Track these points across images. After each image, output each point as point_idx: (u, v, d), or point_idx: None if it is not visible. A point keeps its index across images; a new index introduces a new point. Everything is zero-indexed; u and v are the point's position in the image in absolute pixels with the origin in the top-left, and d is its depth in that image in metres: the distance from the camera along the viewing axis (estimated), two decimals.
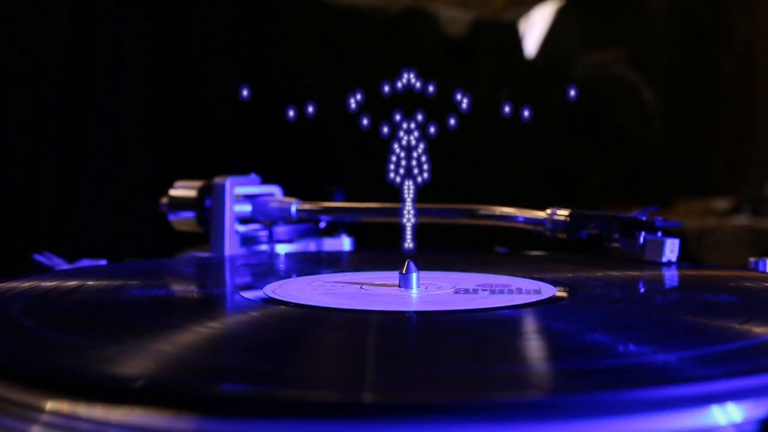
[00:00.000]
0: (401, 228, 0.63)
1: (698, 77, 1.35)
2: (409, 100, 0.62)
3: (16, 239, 1.16)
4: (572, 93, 0.68)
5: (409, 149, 0.62)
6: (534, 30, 1.34)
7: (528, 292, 0.56)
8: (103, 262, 0.74)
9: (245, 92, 0.68)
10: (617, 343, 0.43)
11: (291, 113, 0.63)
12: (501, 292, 0.57)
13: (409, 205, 0.63)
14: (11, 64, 1.17)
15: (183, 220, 0.84)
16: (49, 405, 0.34)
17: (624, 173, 1.36)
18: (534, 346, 0.44)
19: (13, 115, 1.17)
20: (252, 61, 1.24)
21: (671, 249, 0.70)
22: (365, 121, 0.63)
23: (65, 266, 0.73)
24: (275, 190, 0.86)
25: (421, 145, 0.63)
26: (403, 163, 0.63)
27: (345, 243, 0.88)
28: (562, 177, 1.34)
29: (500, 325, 0.49)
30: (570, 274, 0.64)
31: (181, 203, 0.84)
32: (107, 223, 1.19)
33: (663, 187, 1.35)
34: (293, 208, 0.83)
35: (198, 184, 0.84)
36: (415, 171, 0.64)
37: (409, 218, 0.66)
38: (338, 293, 0.56)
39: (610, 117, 1.36)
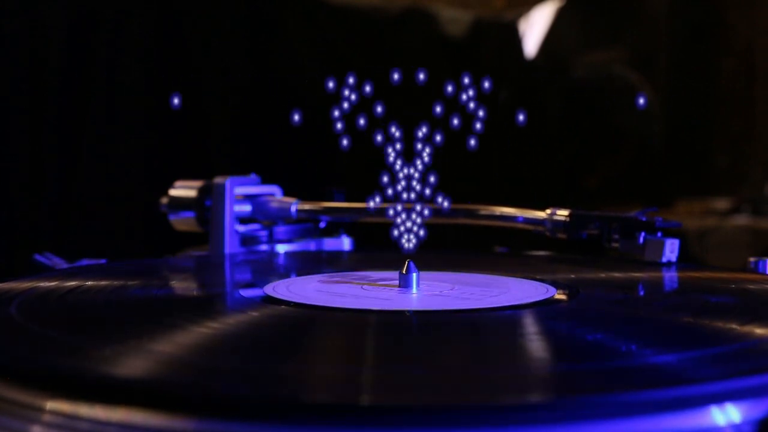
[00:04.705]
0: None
1: (698, 77, 1.35)
2: (408, 100, 0.62)
3: (17, 239, 1.16)
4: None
5: (408, 150, 0.62)
6: (534, 30, 1.34)
7: (528, 292, 0.56)
8: (103, 262, 0.74)
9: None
10: (617, 344, 0.43)
11: (295, 116, 0.63)
12: (501, 292, 0.57)
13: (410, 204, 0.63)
14: (11, 64, 1.17)
15: (183, 220, 0.84)
16: (49, 405, 0.34)
17: (624, 173, 1.36)
18: (534, 348, 0.44)
19: (13, 115, 1.17)
20: (251, 60, 1.24)
21: (671, 249, 0.70)
22: (364, 121, 0.63)
23: (65, 266, 0.73)
24: (275, 190, 0.86)
25: (426, 150, 0.63)
26: (403, 170, 0.63)
27: (345, 243, 0.88)
28: (562, 177, 1.34)
29: (500, 325, 0.49)
30: (570, 275, 0.64)
31: (181, 203, 0.84)
32: (107, 223, 1.19)
33: (663, 187, 1.35)
34: (293, 208, 0.83)
35: (198, 184, 0.84)
36: (415, 172, 0.64)
37: (411, 218, 0.65)
38: (338, 293, 0.56)
39: (610, 117, 1.36)
